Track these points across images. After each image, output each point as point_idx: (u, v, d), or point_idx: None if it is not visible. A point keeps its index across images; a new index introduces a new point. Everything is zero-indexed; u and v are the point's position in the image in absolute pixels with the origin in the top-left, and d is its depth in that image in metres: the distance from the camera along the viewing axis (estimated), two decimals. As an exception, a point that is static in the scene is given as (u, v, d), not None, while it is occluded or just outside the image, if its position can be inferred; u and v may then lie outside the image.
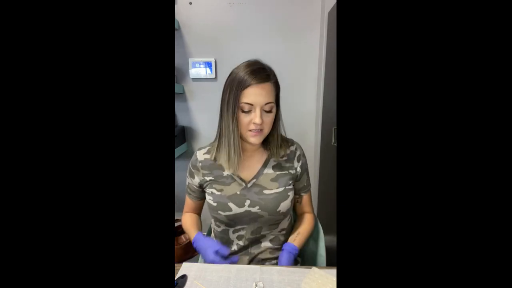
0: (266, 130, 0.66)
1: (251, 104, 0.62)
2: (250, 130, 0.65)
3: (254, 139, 0.66)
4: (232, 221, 0.70)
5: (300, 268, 0.61)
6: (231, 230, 0.72)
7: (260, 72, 0.62)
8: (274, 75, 0.66)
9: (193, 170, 0.75)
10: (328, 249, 0.82)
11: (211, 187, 0.72)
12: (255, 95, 0.61)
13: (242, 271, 0.59)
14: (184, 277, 0.57)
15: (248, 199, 0.69)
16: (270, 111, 0.65)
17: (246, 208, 0.69)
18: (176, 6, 1.53)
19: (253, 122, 0.63)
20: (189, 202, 0.81)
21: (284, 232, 0.75)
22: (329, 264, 0.78)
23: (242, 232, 0.72)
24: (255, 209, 0.69)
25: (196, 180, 0.75)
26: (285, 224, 0.75)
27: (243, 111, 0.63)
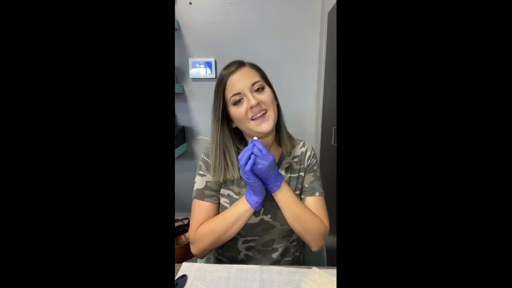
0: (272, 111, 0.60)
1: (239, 93, 0.59)
2: (253, 119, 0.59)
3: (264, 125, 0.59)
4: (245, 231, 0.65)
5: (300, 268, 0.61)
6: (241, 239, 0.67)
7: (232, 63, 0.62)
8: (250, 62, 0.64)
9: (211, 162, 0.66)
10: (328, 249, 0.82)
11: (228, 188, 0.67)
12: (238, 82, 0.59)
13: (242, 271, 0.59)
14: (184, 277, 0.57)
15: (262, 206, 0.65)
16: (262, 89, 0.60)
17: (261, 216, 0.65)
18: (176, 6, 1.53)
19: (250, 106, 0.58)
20: (207, 209, 0.66)
21: (295, 243, 0.71)
22: (329, 264, 0.78)
23: (252, 244, 0.67)
24: (267, 218, 0.65)
25: None
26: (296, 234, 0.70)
27: (235, 105, 0.60)
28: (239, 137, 0.68)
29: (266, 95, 0.60)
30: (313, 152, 0.73)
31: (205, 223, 0.65)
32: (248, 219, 0.63)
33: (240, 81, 0.59)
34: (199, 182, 0.68)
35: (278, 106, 0.66)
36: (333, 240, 1.25)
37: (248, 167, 0.57)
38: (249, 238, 0.66)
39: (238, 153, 0.65)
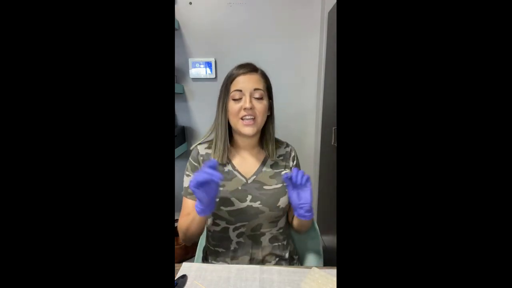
0: (260, 120, 0.68)
1: (240, 91, 0.66)
2: (242, 119, 0.67)
3: (247, 129, 0.67)
4: (233, 218, 0.70)
5: (300, 268, 0.61)
6: (231, 227, 0.72)
7: (247, 65, 0.70)
8: (262, 70, 0.72)
9: (195, 164, 0.74)
10: (328, 249, 0.82)
11: None
12: (243, 82, 0.67)
13: (242, 271, 0.60)
14: (184, 277, 0.57)
15: (250, 194, 0.71)
16: (261, 99, 0.68)
17: (247, 203, 0.70)
18: (176, 6, 1.53)
19: (244, 107, 0.65)
20: (188, 205, 0.73)
21: (281, 230, 0.76)
22: (327, 264, 0.79)
23: (242, 229, 0.72)
24: (256, 204, 0.70)
25: None
26: (283, 222, 0.76)
27: (234, 100, 0.67)
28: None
29: (261, 105, 0.68)
30: (296, 153, 0.82)
31: (181, 219, 0.72)
32: (234, 205, 0.69)
33: (245, 82, 0.67)
34: (185, 181, 0.75)
35: (271, 115, 0.73)
36: (333, 240, 1.25)
37: (192, 183, 0.56)
38: (238, 224, 0.71)
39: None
